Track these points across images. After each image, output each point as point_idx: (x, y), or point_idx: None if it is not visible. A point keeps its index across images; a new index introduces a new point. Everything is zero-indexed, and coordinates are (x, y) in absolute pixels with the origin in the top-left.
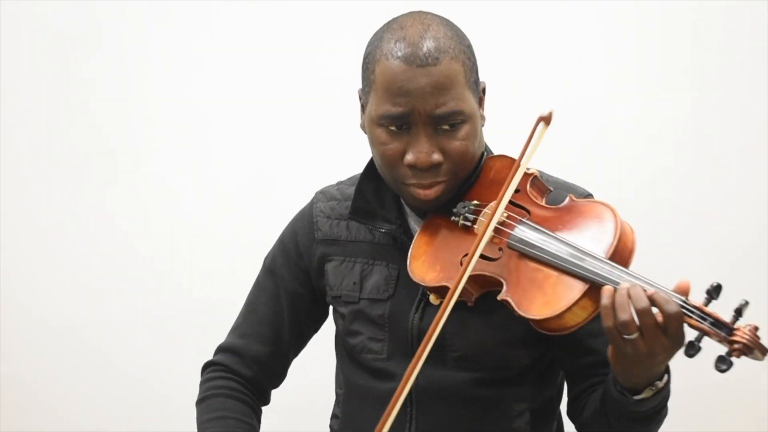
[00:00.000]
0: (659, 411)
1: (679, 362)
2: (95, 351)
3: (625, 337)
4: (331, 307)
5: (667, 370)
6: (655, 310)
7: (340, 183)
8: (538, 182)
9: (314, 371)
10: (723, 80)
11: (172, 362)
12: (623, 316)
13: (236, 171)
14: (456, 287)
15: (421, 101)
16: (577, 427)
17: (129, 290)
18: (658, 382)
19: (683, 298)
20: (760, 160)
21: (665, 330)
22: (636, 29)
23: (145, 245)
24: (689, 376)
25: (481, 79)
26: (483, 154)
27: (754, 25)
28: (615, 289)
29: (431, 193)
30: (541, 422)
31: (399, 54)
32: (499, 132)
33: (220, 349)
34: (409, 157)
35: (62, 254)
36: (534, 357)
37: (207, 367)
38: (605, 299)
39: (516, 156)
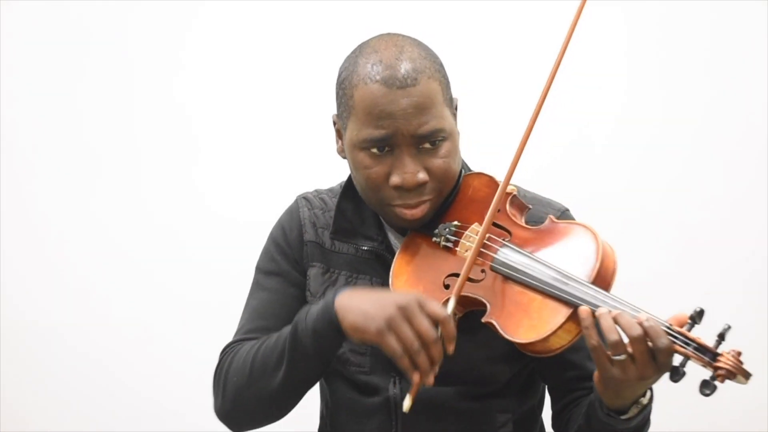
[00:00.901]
0: (644, 424)
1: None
2: (96, 351)
3: (614, 358)
4: None
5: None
6: None
7: (319, 192)
8: (517, 201)
9: None
10: (722, 82)
11: (171, 364)
12: (612, 337)
13: (232, 175)
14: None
15: (404, 122)
16: (553, 427)
17: (129, 291)
18: (642, 399)
19: (668, 324)
20: (759, 166)
21: (655, 358)
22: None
23: (145, 246)
24: (689, 376)
25: (453, 96)
26: (461, 171)
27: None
28: (593, 310)
29: (417, 212)
30: (524, 430)
31: (377, 77)
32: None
33: (225, 348)
34: (395, 179)
35: (59, 257)
36: (516, 371)
37: (219, 364)
38: (585, 320)
39: (491, 173)
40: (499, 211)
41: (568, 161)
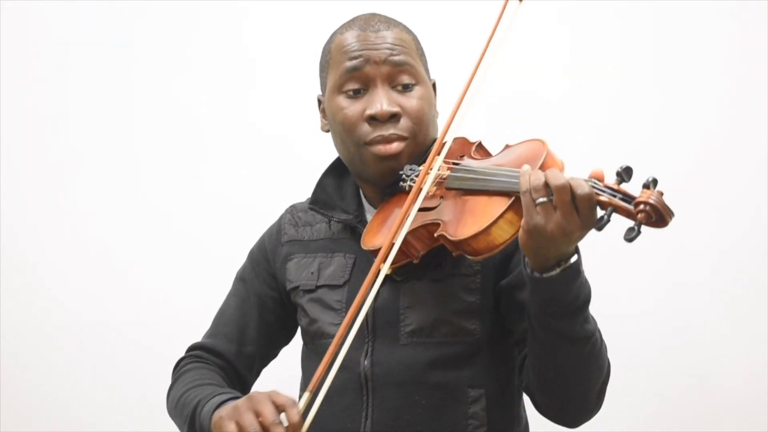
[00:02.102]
0: (578, 309)
1: (678, 362)
2: (96, 351)
3: (538, 200)
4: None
5: (577, 251)
6: None
7: (308, 199)
8: (483, 148)
9: (284, 374)
10: (721, 83)
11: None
12: (536, 179)
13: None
14: (392, 237)
15: (376, 53)
16: (525, 385)
17: (129, 291)
18: (568, 259)
19: (594, 180)
20: (759, 164)
21: (578, 209)
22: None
23: (142, 246)
24: (689, 377)
25: (432, 77)
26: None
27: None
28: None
29: (392, 147)
30: (499, 409)
31: (352, 27)
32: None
33: (190, 348)
34: (369, 110)
35: (59, 255)
36: (488, 333)
37: (177, 364)
38: (523, 173)
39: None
40: (462, 156)
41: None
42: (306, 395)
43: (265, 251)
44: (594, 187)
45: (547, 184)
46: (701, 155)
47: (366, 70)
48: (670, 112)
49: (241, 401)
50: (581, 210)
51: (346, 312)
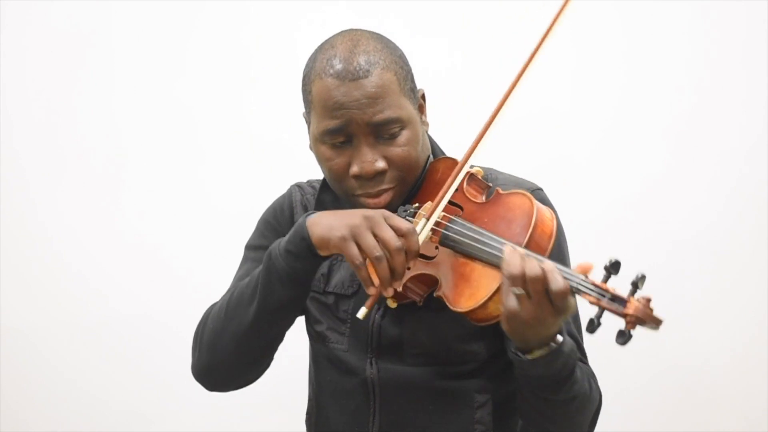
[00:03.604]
0: (564, 379)
1: (679, 363)
2: (96, 351)
3: (513, 290)
4: None
5: (562, 333)
6: None
7: (311, 181)
8: (476, 180)
9: (292, 370)
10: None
11: (174, 362)
12: (513, 270)
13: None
14: (378, 292)
15: (358, 112)
16: (520, 417)
17: (130, 290)
18: (551, 343)
19: (582, 277)
20: (759, 160)
21: (552, 301)
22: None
23: (142, 246)
24: (689, 377)
25: (418, 87)
26: (428, 158)
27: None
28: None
29: (381, 201)
30: (506, 414)
31: (331, 71)
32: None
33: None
34: (354, 168)
35: (54, 256)
36: (492, 351)
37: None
38: (505, 256)
39: (456, 157)
40: (457, 190)
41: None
42: (423, 221)
43: (279, 220)
44: (582, 284)
45: (524, 274)
46: (699, 150)
47: (348, 130)
48: (670, 113)
49: (354, 216)
50: (554, 301)
51: (351, 322)
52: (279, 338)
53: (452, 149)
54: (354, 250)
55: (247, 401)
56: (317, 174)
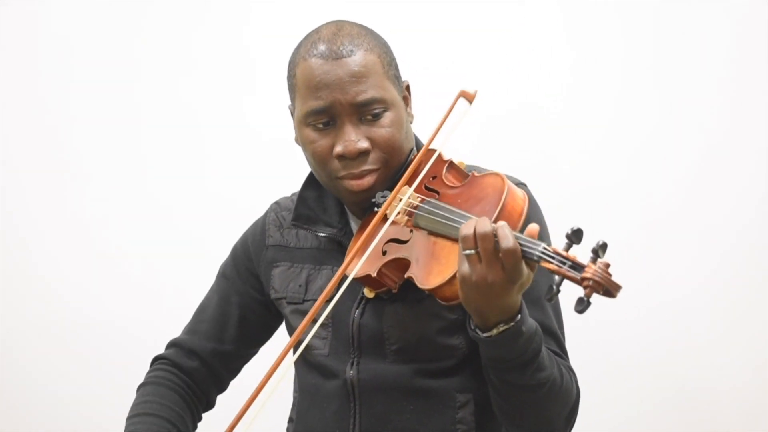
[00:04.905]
0: (527, 362)
1: (679, 363)
2: (96, 351)
3: (464, 252)
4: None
5: (521, 312)
6: None
7: (294, 193)
8: (455, 168)
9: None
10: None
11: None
12: (464, 231)
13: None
14: (348, 261)
15: (341, 92)
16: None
17: (132, 289)
18: (510, 321)
19: (543, 245)
20: (758, 167)
21: (503, 262)
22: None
23: (144, 245)
24: (689, 377)
25: (403, 78)
26: (412, 150)
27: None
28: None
29: (364, 182)
30: (488, 414)
31: (315, 52)
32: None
33: (169, 345)
34: (338, 149)
35: (58, 254)
36: (472, 346)
37: (154, 361)
38: (461, 226)
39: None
40: (435, 177)
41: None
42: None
43: (249, 250)
44: (543, 253)
45: (475, 232)
46: (699, 159)
47: (332, 111)
48: (670, 115)
49: None
50: (505, 262)
51: (332, 326)
52: None
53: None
54: None
55: (229, 407)
56: (286, 184)
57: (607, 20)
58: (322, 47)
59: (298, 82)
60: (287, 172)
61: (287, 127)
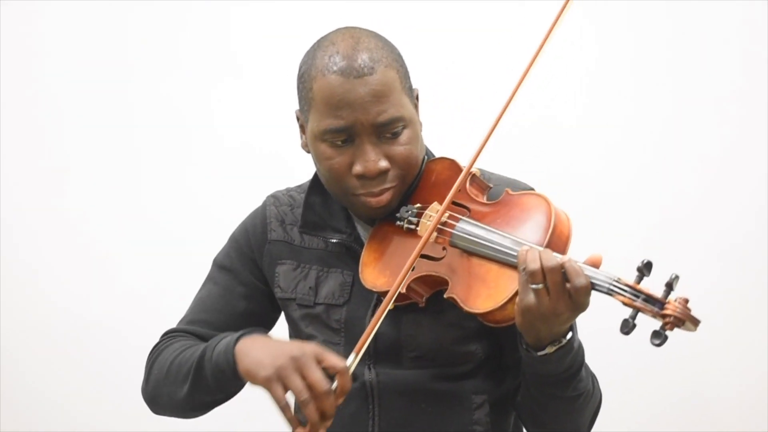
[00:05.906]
0: (572, 376)
1: (679, 364)
2: (97, 350)
3: (532, 286)
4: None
5: (572, 329)
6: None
7: (289, 189)
8: (477, 180)
9: None
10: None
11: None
12: (532, 266)
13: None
14: (397, 287)
15: (363, 111)
16: (517, 414)
17: (121, 289)
18: (562, 339)
19: (616, 277)
20: (759, 162)
21: (571, 296)
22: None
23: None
24: (690, 377)
25: (414, 86)
26: (424, 158)
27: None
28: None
29: (382, 199)
30: (502, 414)
31: (335, 68)
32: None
33: (165, 333)
34: (358, 168)
35: (47, 254)
36: (489, 351)
37: (154, 348)
38: (520, 256)
39: (453, 157)
40: (459, 191)
41: (537, 146)
42: (352, 357)
43: (250, 241)
44: (614, 286)
45: (543, 269)
46: (702, 165)
47: (352, 130)
48: (679, 121)
49: (283, 356)
50: (575, 296)
51: (345, 332)
52: (213, 408)
53: (447, 150)
54: (279, 392)
55: (241, 407)
56: (275, 185)
57: (608, 20)
58: (341, 63)
59: (316, 97)
60: (276, 173)
61: (277, 129)
